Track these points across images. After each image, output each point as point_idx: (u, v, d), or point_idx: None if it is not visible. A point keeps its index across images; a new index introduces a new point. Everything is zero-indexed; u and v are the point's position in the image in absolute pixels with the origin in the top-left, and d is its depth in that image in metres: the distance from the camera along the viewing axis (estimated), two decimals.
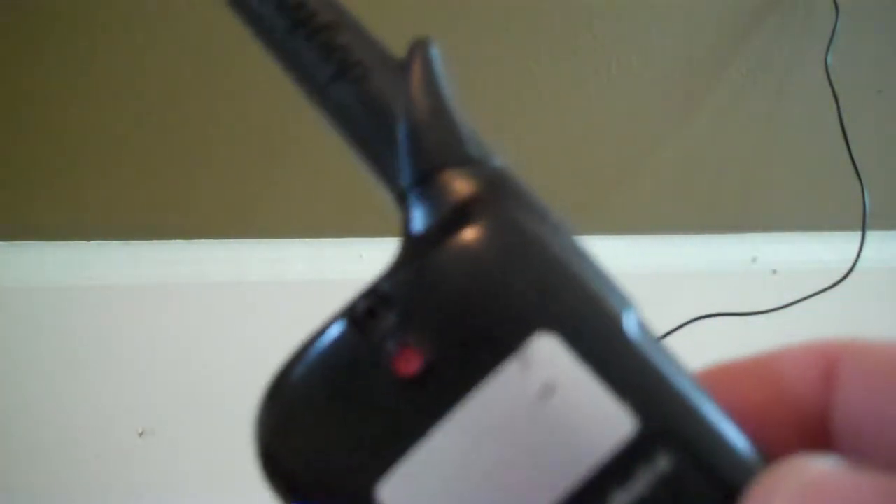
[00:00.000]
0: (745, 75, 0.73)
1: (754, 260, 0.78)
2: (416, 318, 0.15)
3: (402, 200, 0.17)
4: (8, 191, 0.59)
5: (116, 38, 0.57)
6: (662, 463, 0.14)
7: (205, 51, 0.59)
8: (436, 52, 0.18)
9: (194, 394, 0.66)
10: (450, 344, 0.15)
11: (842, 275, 0.68)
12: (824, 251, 0.78)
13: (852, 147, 0.71)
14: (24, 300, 0.60)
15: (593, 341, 0.15)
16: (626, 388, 0.15)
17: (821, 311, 0.69)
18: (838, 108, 0.71)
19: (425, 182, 0.17)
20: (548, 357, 0.15)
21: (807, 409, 0.16)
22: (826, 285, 0.69)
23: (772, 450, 0.15)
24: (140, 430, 0.65)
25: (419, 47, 0.18)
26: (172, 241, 0.63)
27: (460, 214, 0.16)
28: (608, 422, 0.14)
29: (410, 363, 0.15)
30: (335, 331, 0.16)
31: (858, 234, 0.69)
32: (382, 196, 0.18)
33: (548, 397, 0.14)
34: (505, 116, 0.68)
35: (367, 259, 0.67)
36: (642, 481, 0.14)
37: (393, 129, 0.17)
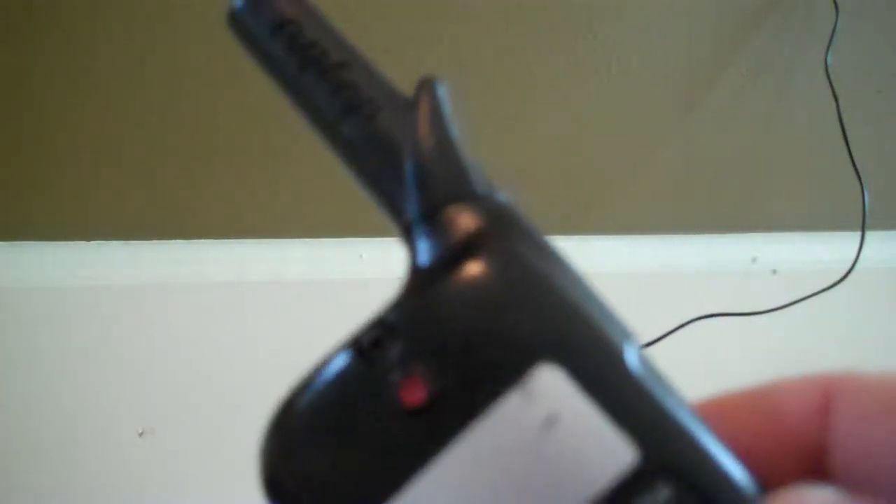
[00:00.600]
0: (744, 75, 0.73)
1: (754, 260, 0.78)
2: (422, 348, 0.16)
3: (409, 234, 0.17)
4: (8, 191, 0.59)
5: (117, 39, 0.57)
6: (663, 493, 0.14)
7: (205, 51, 0.59)
8: (443, 91, 0.18)
9: (194, 394, 0.66)
10: (454, 375, 0.15)
11: (841, 275, 0.68)
12: (824, 251, 0.78)
13: (852, 147, 0.71)
14: (24, 300, 0.60)
15: (595, 373, 0.15)
16: (628, 419, 0.15)
17: (820, 311, 0.69)
18: (838, 107, 0.71)
19: (431, 217, 0.17)
20: (551, 388, 0.15)
21: (804, 441, 0.16)
22: (826, 285, 0.69)
23: (770, 482, 0.15)
24: (140, 430, 0.65)
25: (426, 86, 0.18)
26: (172, 241, 0.63)
27: (465, 248, 0.16)
28: (610, 452, 0.15)
29: (415, 393, 0.15)
30: (341, 361, 0.16)
31: (858, 233, 0.69)
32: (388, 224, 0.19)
33: (550, 427, 0.15)
34: (505, 116, 0.68)
35: (367, 259, 0.67)
36: None
37: (400, 165, 0.18)
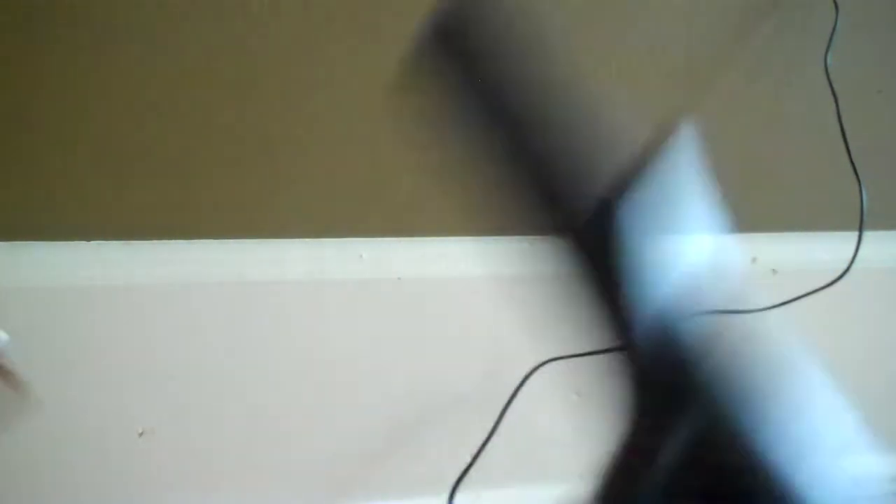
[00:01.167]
0: (744, 75, 0.73)
1: (754, 260, 0.78)
2: None
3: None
4: (8, 191, 0.59)
5: (117, 39, 0.57)
6: None
7: (205, 51, 0.59)
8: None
9: (194, 394, 0.66)
10: None
11: (838, 274, 0.68)
12: (824, 251, 0.78)
13: (851, 147, 0.71)
14: (25, 300, 0.60)
15: None
16: None
17: (817, 309, 0.69)
18: (837, 107, 0.71)
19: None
20: None
21: None
22: (824, 284, 0.69)
23: None
24: (140, 430, 0.65)
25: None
26: (172, 241, 0.63)
27: None
28: None
29: None
30: None
31: (876, 233, 0.69)
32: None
33: None
34: None
35: (367, 259, 0.67)
36: None
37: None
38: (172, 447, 0.66)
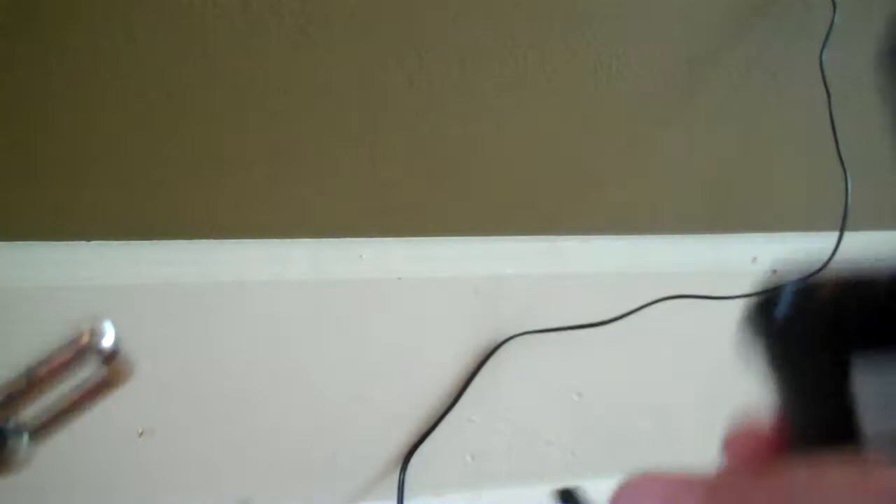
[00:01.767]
0: (744, 75, 0.73)
1: (754, 260, 0.78)
2: None
3: None
4: (8, 191, 0.59)
5: (117, 39, 0.57)
6: None
7: (206, 51, 0.59)
8: None
9: (194, 394, 0.66)
10: None
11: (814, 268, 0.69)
12: (825, 251, 0.78)
13: (841, 145, 0.71)
14: (24, 300, 0.60)
15: None
16: None
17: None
18: (829, 105, 0.71)
19: None
20: None
21: None
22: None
23: None
24: (140, 430, 0.65)
25: None
26: (172, 241, 0.63)
27: None
28: None
29: None
30: None
31: (857, 233, 0.70)
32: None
33: None
34: (504, 116, 0.68)
35: (367, 259, 0.67)
36: None
37: None
38: (172, 447, 0.66)
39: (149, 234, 0.62)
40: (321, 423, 0.70)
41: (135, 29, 0.57)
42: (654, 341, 0.75)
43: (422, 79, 0.64)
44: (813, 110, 0.73)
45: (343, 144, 0.64)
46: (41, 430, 0.36)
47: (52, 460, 0.65)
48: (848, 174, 0.71)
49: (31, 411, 0.35)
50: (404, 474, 0.71)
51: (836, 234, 0.73)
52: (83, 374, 0.36)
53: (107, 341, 0.34)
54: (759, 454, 0.22)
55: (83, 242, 0.61)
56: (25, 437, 0.35)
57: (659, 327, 0.74)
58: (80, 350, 0.33)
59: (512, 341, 0.72)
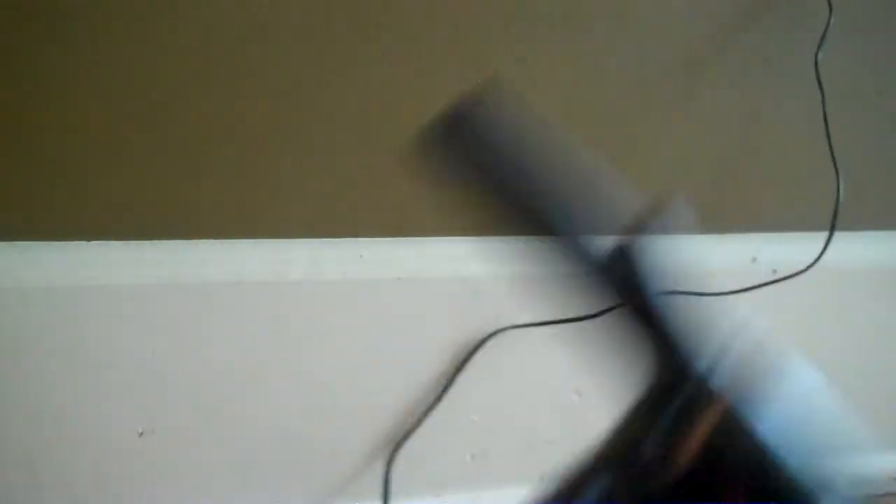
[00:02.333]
0: (743, 75, 0.73)
1: (754, 260, 0.78)
2: None
3: None
4: (8, 191, 0.59)
5: (117, 39, 0.57)
6: None
7: (205, 51, 0.59)
8: None
9: (194, 394, 0.66)
10: None
11: (807, 265, 0.70)
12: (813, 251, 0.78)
13: (834, 145, 0.71)
14: (24, 300, 0.60)
15: None
16: None
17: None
18: (824, 106, 0.71)
19: None
20: None
21: None
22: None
23: None
24: (140, 430, 0.65)
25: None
26: (172, 241, 0.63)
27: None
28: None
29: None
30: None
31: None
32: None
33: None
34: None
35: (367, 259, 0.67)
36: None
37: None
38: (172, 447, 0.66)
39: (149, 234, 0.62)
40: (320, 422, 0.70)
41: (136, 29, 0.57)
42: None
43: (422, 78, 0.64)
44: (808, 110, 0.73)
45: (344, 144, 0.64)
46: None
47: (52, 460, 0.65)
48: (840, 174, 0.71)
49: None
50: (390, 471, 0.71)
51: (837, 234, 0.73)
52: None
53: None
54: None
55: (83, 242, 0.61)
56: None
57: None
58: None
59: (507, 335, 0.72)
